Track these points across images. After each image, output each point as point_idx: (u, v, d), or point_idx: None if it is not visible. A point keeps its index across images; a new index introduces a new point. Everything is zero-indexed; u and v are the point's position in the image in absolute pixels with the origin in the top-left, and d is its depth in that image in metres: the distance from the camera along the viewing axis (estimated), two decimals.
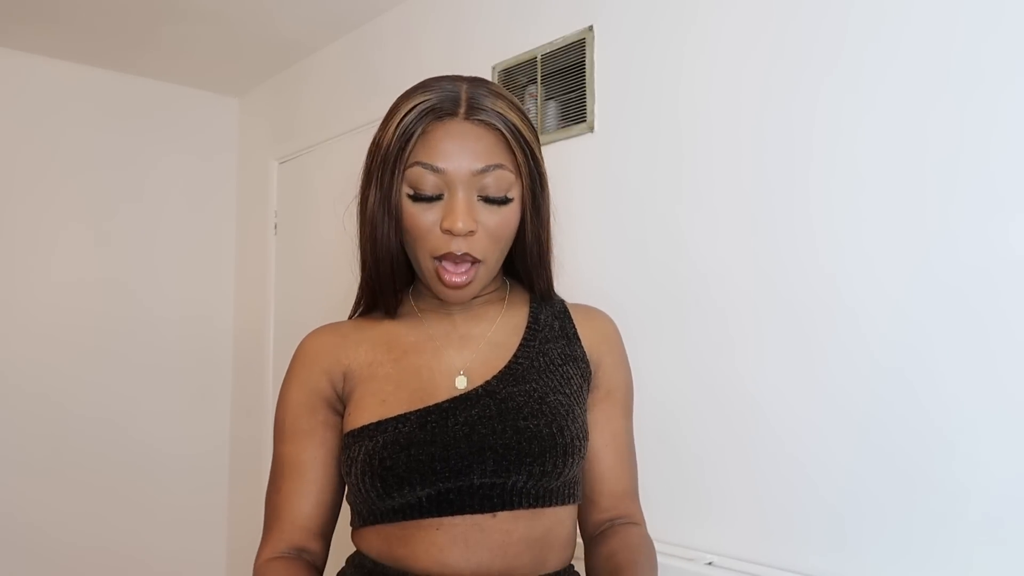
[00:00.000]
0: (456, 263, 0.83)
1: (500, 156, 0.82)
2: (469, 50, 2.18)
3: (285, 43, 2.80)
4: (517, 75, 2.03)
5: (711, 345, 1.55)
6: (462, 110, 0.81)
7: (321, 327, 0.96)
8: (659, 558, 1.50)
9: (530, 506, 0.81)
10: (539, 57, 1.95)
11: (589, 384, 0.92)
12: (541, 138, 2.01)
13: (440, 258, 0.83)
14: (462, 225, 0.80)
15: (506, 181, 0.82)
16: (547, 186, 0.89)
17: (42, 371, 2.79)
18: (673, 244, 1.63)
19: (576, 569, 0.91)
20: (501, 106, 0.83)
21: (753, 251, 1.49)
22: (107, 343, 2.94)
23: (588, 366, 0.92)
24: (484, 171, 0.81)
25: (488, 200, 0.82)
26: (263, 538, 0.90)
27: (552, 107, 1.93)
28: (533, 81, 1.97)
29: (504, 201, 0.83)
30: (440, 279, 0.83)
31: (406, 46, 2.43)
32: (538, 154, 0.87)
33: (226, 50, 2.86)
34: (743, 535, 1.47)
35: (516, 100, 0.87)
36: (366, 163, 0.87)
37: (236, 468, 3.22)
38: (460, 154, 0.80)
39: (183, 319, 3.14)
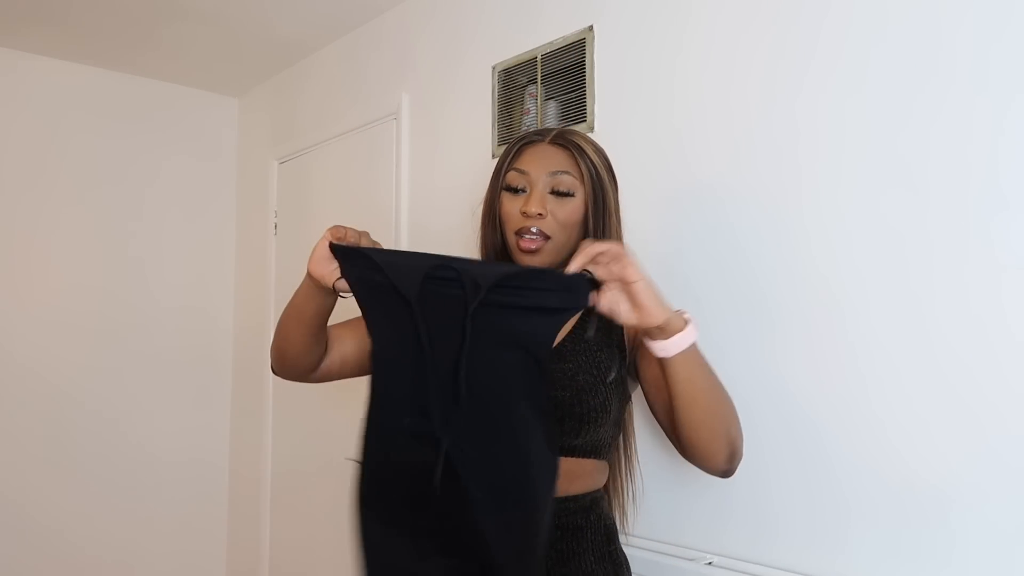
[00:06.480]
0: (531, 236, 1.16)
1: (568, 166, 1.18)
2: (469, 50, 2.19)
3: (284, 43, 2.80)
4: (517, 75, 2.03)
5: (710, 344, 1.54)
6: (547, 140, 1.20)
7: None
8: (659, 558, 1.52)
9: (559, 454, 1.06)
10: (539, 57, 1.95)
11: (623, 364, 1.20)
12: None
13: (519, 232, 1.17)
14: (533, 208, 1.15)
15: (571, 182, 1.17)
16: (610, 192, 1.21)
17: (43, 371, 2.79)
18: (672, 244, 1.63)
19: (598, 502, 1.21)
20: (580, 140, 1.19)
21: (753, 250, 1.49)
22: (107, 343, 2.94)
23: (624, 352, 1.20)
24: (555, 174, 1.17)
25: (556, 193, 1.17)
26: None
27: (552, 107, 1.93)
28: (533, 81, 1.97)
29: (568, 195, 1.17)
30: (519, 247, 1.17)
31: (406, 46, 2.43)
32: (603, 174, 1.19)
33: (226, 50, 2.86)
34: (743, 535, 1.47)
35: (600, 147, 1.23)
36: (491, 179, 1.25)
37: (236, 471, 3.22)
38: (540, 162, 1.18)
39: (183, 319, 3.14)
